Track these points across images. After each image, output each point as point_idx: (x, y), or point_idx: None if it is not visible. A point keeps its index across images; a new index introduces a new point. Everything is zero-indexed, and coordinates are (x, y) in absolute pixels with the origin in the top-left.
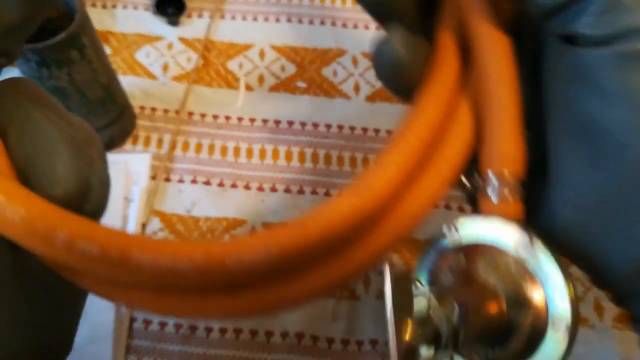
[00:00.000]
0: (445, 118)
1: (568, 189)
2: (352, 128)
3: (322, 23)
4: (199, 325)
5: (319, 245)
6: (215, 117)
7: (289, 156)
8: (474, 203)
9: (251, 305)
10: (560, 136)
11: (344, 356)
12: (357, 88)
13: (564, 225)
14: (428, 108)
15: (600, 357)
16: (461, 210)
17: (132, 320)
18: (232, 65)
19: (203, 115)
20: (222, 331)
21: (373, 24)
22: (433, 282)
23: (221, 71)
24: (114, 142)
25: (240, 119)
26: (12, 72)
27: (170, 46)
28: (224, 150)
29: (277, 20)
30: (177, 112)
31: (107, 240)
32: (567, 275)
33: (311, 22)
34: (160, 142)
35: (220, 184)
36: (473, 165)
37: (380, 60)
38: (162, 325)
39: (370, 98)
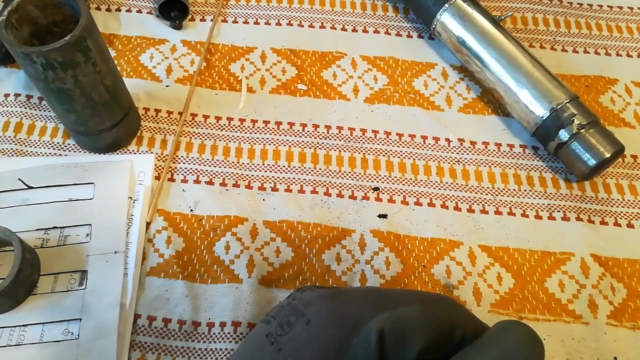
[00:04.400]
0: None
1: None
2: (351, 129)
3: (322, 27)
4: (201, 321)
5: None
6: (217, 118)
7: (289, 156)
8: None
9: None
10: None
11: None
12: (356, 90)
13: None
14: None
15: (594, 353)
16: (456, 210)
17: (136, 317)
18: (234, 67)
19: (206, 117)
20: (222, 325)
21: (371, 28)
22: None
23: (223, 73)
24: (119, 143)
25: (242, 120)
26: (18, 74)
27: (173, 49)
28: (226, 151)
29: (278, 23)
30: (180, 113)
31: None
32: None
33: (311, 26)
34: (164, 142)
35: (223, 184)
36: None
37: None
38: (166, 321)
39: (369, 100)
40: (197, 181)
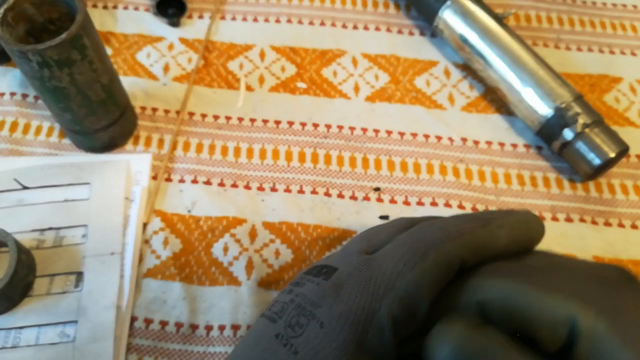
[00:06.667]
0: None
1: None
2: (352, 128)
3: (322, 24)
4: (199, 324)
5: None
6: (215, 117)
7: (289, 156)
8: None
9: None
10: None
11: None
12: (356, 88)
13: None
14: None
15: None
16: (460, 208)
17: (133, 319)
18: (233, 65)
19: (204, 116)
20: (221, 328)
21: (372, 25)
22: None
23: (222, 72)
24: (115, 143)
25: (240, 119)
26: (14, 73)
27: (171, 47)
28: (224, 150)
29: (278, 21)
30: (177, 112)
31: None
32: None
33: (311, 23)
34: (161, 142)
35: (221, 184)
36: None
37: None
38: (163, 324)
39: (370, 98)
40: (194, 181)
